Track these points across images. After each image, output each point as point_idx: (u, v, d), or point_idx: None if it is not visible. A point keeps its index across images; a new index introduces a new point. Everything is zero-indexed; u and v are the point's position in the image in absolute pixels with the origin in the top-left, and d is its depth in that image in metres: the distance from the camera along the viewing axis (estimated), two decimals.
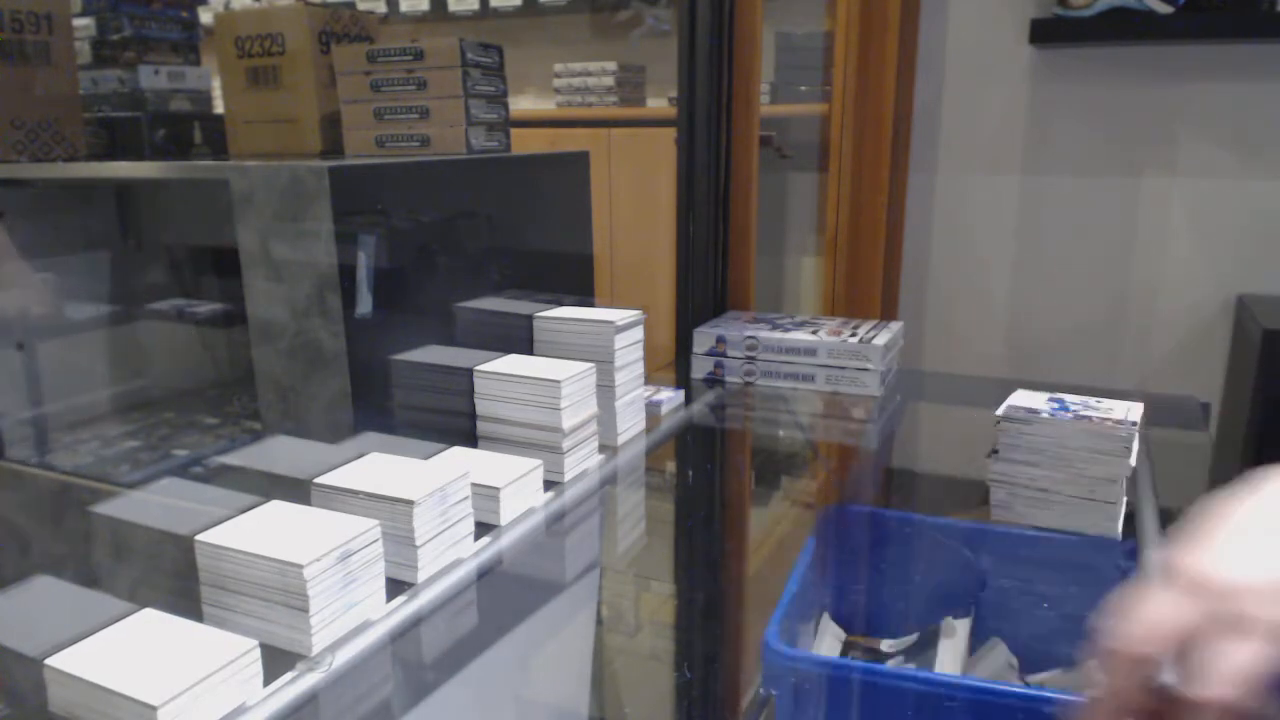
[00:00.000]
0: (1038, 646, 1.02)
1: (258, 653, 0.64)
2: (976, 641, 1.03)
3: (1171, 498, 1.05)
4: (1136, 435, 0.97)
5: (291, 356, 1.05)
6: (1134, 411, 1.01)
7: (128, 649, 0.62)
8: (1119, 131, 2.11)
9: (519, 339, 1.18)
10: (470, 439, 1.07)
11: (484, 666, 0.77)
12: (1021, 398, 1.07)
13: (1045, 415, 1.01)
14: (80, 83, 1.48)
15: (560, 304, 1.24)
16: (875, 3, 2.03)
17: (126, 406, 1.54)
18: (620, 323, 1.14)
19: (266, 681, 0.66)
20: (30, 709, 0.62)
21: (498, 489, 0.92)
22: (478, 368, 1.05)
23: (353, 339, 1.02)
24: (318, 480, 0.83)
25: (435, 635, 0.78)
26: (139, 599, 0.67)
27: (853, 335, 1.43)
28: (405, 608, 0.78)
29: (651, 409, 1.28)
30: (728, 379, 1.50)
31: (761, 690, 0.81)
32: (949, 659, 0.99)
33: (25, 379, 1.42)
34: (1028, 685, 0.98)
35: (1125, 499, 0.99)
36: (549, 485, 1.01)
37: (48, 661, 0.60)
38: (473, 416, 1.06)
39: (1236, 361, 2.02)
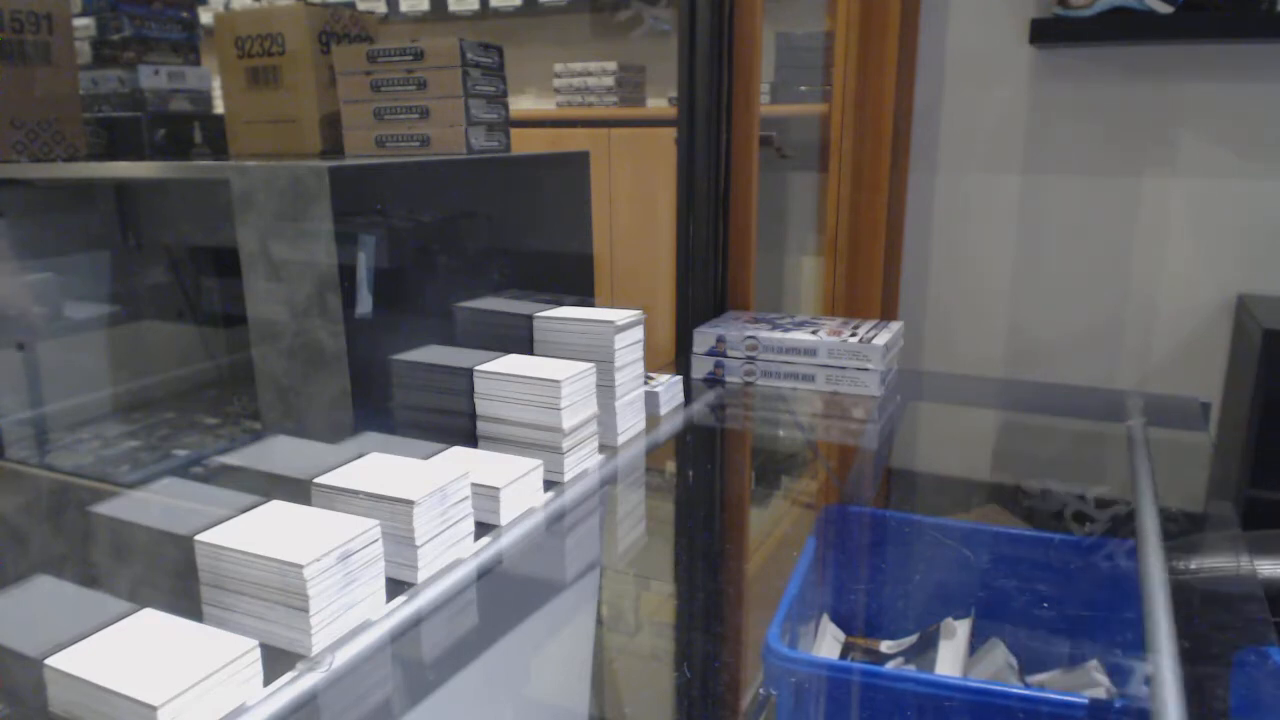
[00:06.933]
0: (1038, 646, 1.02)
1: (258, 653, 0.64)
2: (976, 642, 1.03)
3: (1171, 498, 1.04)
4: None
5: (291, 356, 1.05)
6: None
7: (128, 649, 0.62)
8: (1119, 131, 2.11)
9: (519, 339, 1.18)
10: (470, 439, 1.07)
11: (484, 666, 0.77)
12: None
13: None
14: (80, 83, 1.48)
15: (560, 304, 1.24)
16: (875, 3, 2.03)
17: (126, 406, 1.54)
18: (620, 323, 1.14)
19: (266, 681, 0.66)
20: (30, 709, 0.62)
21: (498, 489, 0.92)
22: (478, 368, 1.05)
23: (353, 339, 1.02)
24: (318, 480, 0.83)
25: (435, 635, 0.78)
26: (139, 599, 0.67)
27: (853, 335, 1.43)
28: (405, 608, 0.78)
29: (651, 402, 1.28)
30: (728, 379, 1.50)
31: (762, 691, 0.81)
32: (949, 660, 0.99)
33: (25, 379, 1.42)
34: (1028, 685, 0.98)
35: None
36: (549, 485, 1.01)
37: (48, 661, 0.60)
38: (473, 416, 1.06)
39: (1236, 361, 2.02)
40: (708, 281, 1.70)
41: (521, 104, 3.27)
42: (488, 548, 0.89)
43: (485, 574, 0.86)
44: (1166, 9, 1.92)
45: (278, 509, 0.78)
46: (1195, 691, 0.69)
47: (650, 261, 2.53)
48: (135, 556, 0.90)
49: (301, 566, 0.68)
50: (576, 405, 1.04)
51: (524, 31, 3.25)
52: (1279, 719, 0.74)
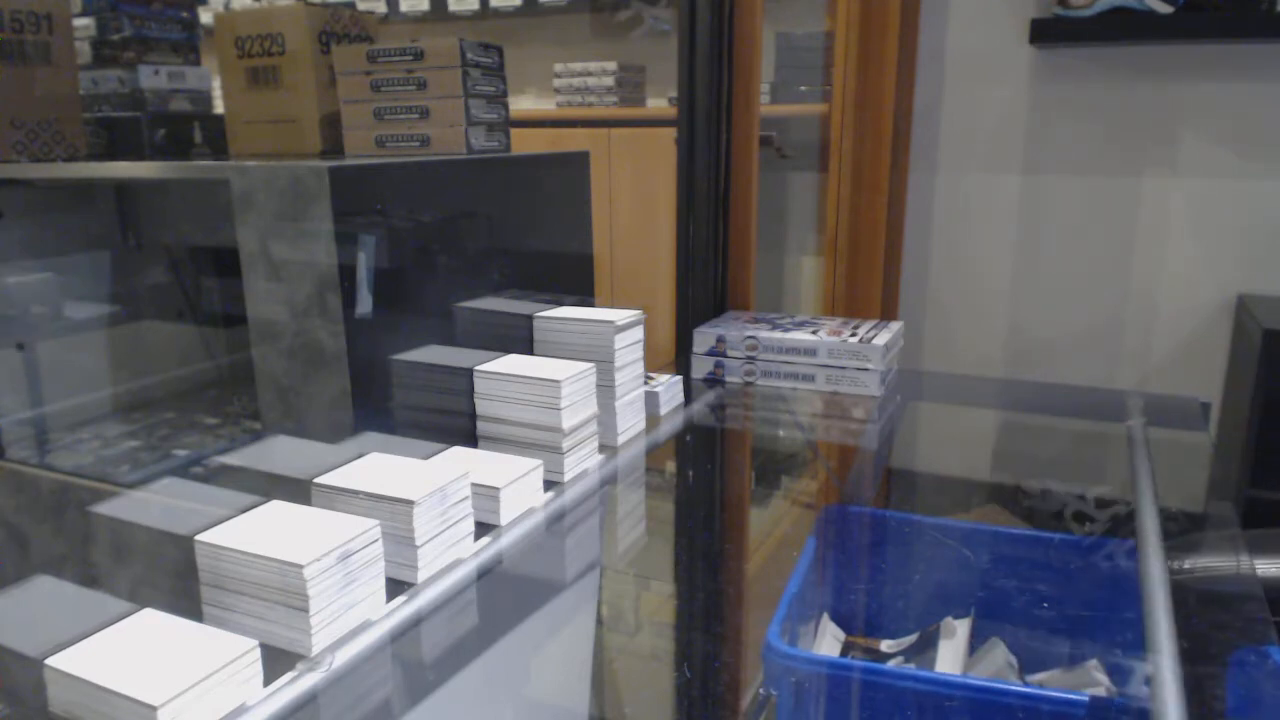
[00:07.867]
0: (1038, 646, 1.02)
1: (258, 653, 0.64)
2: (976, 641, 1.03)
3: (1171, 498, 1.05)
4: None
5: (291, 356, 1.05)
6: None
7: (128, 649, 0.62)
8: (1119, 131, 2.11)
9: (519, 339, 1.18)
10: (470, 439, 1.07)
11: (484, 666, 0.77)
12: None
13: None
14: (80, 83, 1.48)
15: (560, 304, 1.24)
16: (875, 3, 2.03)
17: (126, 406, 1.54)
18: (620, 323, 1.14)
19: (266, 681, 0.66)
20: (30, 709, 0.62)
21: (498, 489, 0.92)
22: (478, 368, 1.05)
23: (353, 339, 1.02)
24: (318, 480, 0.83)
25: (435, 635, 0.78)
26: (139, 599, 0.67)
27: (853, 335, 1.43)
28: (405, 608, 0.78)
29: (651, 402, 1.28)
30: (728, 379, 1.50)
31: (762, 690, 0.81)
32: (949, 659, 0.99)
33: (25, 379, 1.42)
34: (1028, 684, 0.98)
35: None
36: (549, 485, 1.01)
37: (48, 661, 0.60)
38: (473, 416, 1.06)
39: (1236, 361, 2.02)
40: (708, 281, 1.70)
41: (521, 104, 3.27)
42: (488, 548, 0.89)
43: (485, 574, 0.86)
44: (1166, 9, 1.92)
45: (278, 509, 0.78)
46: (1195, 691, 0.70)
47: (650, 261, 2.53)
48: (135, 556, 0.90)
49: (301, 566, 0.68)
50: (576, 405, 1.04)
51: (524, 31, 3.25)
52: (1278, 719, 0.74)
